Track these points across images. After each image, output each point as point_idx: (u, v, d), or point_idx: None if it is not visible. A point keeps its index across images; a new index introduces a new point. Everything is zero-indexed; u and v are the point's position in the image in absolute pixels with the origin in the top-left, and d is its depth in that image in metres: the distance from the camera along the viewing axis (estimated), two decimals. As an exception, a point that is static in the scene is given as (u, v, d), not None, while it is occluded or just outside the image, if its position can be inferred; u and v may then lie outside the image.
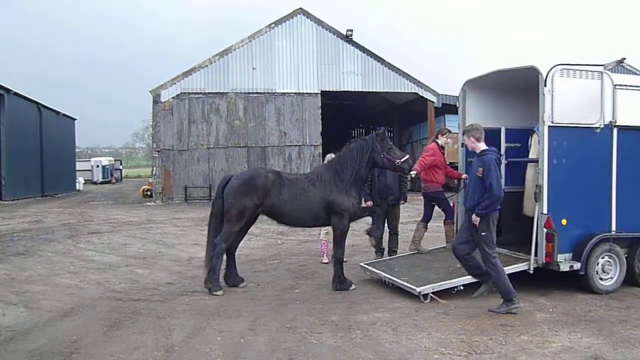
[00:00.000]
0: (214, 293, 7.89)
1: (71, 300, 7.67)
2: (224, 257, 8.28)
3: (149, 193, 30.08)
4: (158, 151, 27.36)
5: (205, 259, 8.21)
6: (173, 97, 27.27)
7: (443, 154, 9.52)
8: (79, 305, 7.38)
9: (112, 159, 65.03)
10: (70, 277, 9.24)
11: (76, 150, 49.96)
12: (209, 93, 27.61)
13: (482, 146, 7.00)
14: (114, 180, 58.41)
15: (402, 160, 8.18)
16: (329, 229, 10.12)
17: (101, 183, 55.33)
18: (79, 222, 18.40)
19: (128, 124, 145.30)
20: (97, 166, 57.88)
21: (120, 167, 67.45)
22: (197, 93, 27.51)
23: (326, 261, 10.10)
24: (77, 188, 42.00)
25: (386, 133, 8.76)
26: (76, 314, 6.97)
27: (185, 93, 27.36)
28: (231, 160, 27.84)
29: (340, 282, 8.17)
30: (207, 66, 27.58)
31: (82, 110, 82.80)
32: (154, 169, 27.83)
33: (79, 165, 48.17)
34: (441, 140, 9.52)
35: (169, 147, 27.39)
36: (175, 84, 27.34)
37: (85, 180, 48.27)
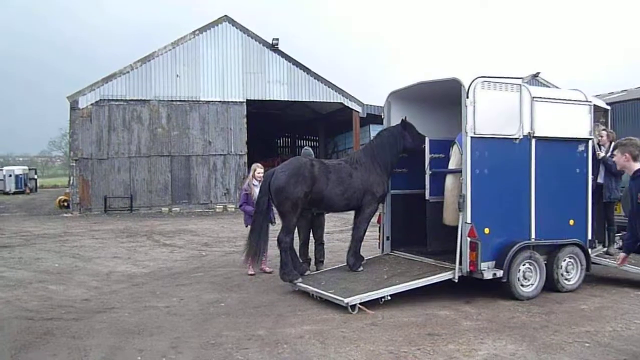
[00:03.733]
0: (295, 282, 8.36)
1: (-24, 321, 7.11)
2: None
3: (65, 204, 28.68)
4: (76, 160, 26.12)
5: (247, 248, 8.67)
6: (92, 104, 26.11)
7: None
8: (-15, 326, 6.85)
9: (26, 167, 61.66)
10: (-25, 296, 8.60)
11: (-14, 159, 47.27)
12: (130, 100, 26.64)
13: (637, 166, 5.50)
14: (28, 191, 55.34)
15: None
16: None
17: (14, 193, 52.33)
18: (-12, 235, 17.29)
19: (44, 132, 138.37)
20: (10, 175, 54.72)
21: (36, 177, 63.92)
22: (117, 100, 26.48)
23: (252, 273, 9.89)
24: (-13, 199, 39.65)
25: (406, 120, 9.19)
26: (-19, 336, 6.47)
27: (105, 100, 26.27)
28: (154, 170, 26.98)
29: (356, 259, 8.73)
30: (128, 72, 26.63)
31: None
32: (72, 178, 26.53)
33: (-12, 175, 45.53)
34: None
35: (88, 155, 26.18)
36: (94, 90, 26.21)
37: (-4, 190, 45.58)
